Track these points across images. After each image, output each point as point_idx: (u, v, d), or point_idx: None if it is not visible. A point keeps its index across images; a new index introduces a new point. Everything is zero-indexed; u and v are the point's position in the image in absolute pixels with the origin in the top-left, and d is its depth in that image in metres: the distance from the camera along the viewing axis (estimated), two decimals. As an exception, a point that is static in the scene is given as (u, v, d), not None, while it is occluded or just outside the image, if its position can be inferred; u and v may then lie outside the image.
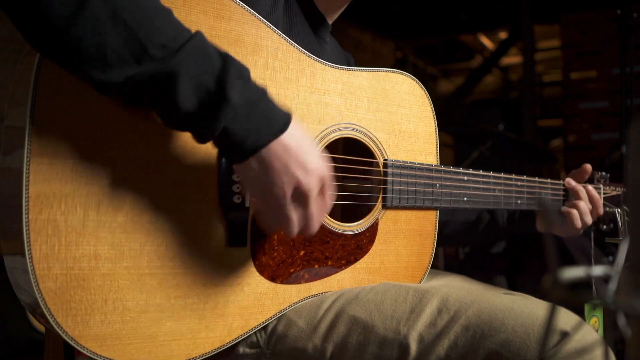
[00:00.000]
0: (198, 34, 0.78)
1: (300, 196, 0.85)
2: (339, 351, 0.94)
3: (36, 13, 0.70)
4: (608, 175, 1.49)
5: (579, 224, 1.33)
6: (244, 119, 0.79)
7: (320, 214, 0.90)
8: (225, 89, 0.76)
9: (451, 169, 1.19)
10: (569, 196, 1.38)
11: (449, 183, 1.18)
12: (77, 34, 0.71)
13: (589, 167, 1.40)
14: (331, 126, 1.03)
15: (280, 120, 0.82)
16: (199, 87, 0.76)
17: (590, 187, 1.39)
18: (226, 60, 0.78)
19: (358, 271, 1.07)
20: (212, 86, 0.76)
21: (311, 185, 0.85)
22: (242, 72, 0.80)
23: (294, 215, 0.86)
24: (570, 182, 1.39)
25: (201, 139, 0.80)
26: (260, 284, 0.95)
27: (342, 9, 1.22)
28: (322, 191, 0.89)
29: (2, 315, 1.80)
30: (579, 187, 1.37)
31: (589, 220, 1.35)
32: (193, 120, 0.77)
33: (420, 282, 1.17)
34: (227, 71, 0.77)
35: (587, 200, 1.36)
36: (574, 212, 1.33)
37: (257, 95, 0.81)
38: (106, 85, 0.74)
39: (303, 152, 0.84)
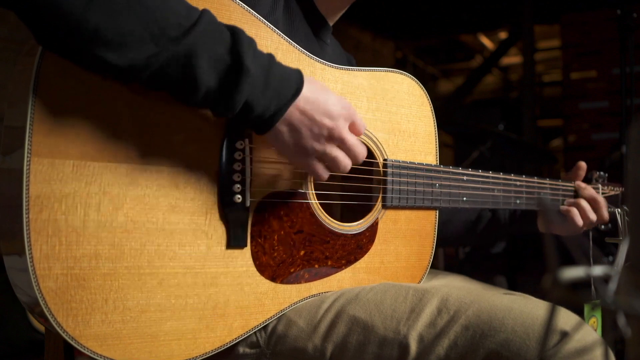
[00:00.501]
0: (206, 10, 0.80)
1: (336, 139, 0.91)
2: (339, 351, 0.94)
3: (50, 6, 0.70)
4: (606, 175, 1.49)
5: (579, 221, 1.33)
6: (262, 88, 0.82)
7: (359, 141, 0.95)
8: (241, 59, 0.79)
9: (450, 168, 1.19)
10: (577, 195, 1.38)
11: (449, 183, 1.18)
12: (95, 20, 0.71)
13: (583, 164, 1.40)
14: (331, 126, 1.03)
15: (294, 79, 0.86)
16: (216, 61, 0.78)
17: (590, 187, 1.39)
18: (234, 32, 0.81)
19: (358, 271, 1.07)
20: (227, 58, 0.79)
21: (340, 127, 0.91)
22: (251, 41, 0.82)
23: (339, 152, 0.92)
24: (580, 184, 1.39)
25: (222, 114, 0.83)
26: (261, 283, 0.95)
27: (343, 11, 1.21)
28: (352, 125, 0.94)
29: (2, 315, 1.80)
30: (587, 187, 1.38)
31: (594, 217, 1.34)
32: (214, 95, 0.80)
33: (419, 282, 1.17)
34: (237, 42, 0.80)
35: (593, 196, 1.36)
36: (574, 210, 1.33)
37: (267, 60, 0.84)
38: (126, 70, 0.75)
39: (323, 100, 0.89)
